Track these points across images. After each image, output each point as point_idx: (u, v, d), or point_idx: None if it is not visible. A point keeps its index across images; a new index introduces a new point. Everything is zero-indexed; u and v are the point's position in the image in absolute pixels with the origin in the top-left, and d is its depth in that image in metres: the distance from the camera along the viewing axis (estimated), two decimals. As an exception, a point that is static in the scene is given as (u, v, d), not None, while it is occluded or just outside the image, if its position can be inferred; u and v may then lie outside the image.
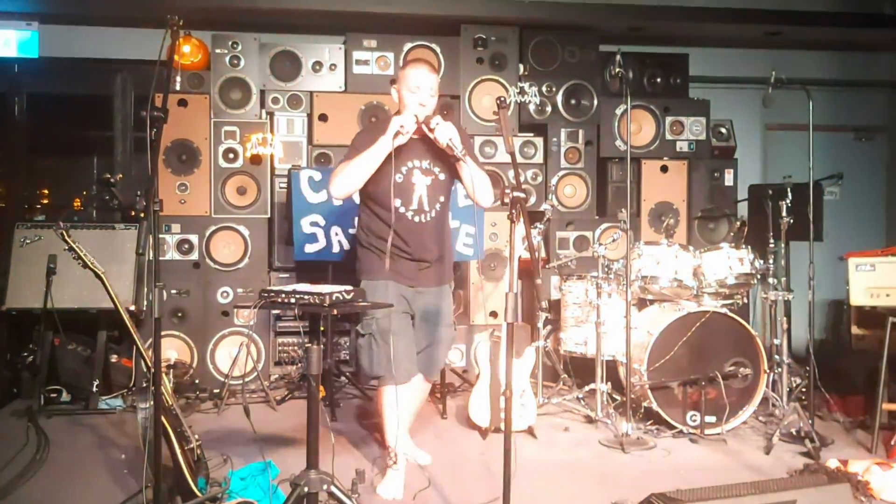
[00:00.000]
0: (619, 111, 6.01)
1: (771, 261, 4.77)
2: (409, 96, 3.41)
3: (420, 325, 3.61)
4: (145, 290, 5.10)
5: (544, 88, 5.94)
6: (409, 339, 3.52)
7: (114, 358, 5.16)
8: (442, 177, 3.53)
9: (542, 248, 5.66)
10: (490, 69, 5.90)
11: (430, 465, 3.85)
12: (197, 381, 5.25)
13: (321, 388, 3.81)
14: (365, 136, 3.47)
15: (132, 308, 4.97)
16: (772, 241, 4.79)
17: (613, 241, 5.07)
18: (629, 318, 4.41)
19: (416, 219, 3.49)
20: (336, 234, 5.11)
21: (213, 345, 5.44)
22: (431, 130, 3.31)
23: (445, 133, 3.28)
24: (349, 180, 3.37)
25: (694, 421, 4.41)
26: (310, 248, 5.10)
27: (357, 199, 3.71)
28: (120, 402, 4.92)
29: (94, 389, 4.87)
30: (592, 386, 4.80)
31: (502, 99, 3.01)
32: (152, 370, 2.89)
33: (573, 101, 6.00)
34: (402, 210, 3.45)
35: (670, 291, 4.72)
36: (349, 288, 2.93)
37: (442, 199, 3.56)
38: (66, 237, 3.40)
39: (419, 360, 3.60)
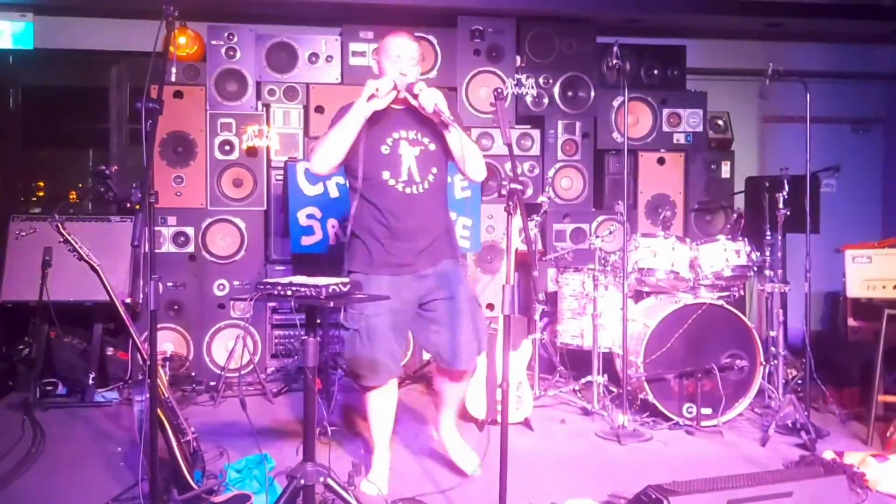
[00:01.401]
0: (616, 103, 6.00)
1: (767, 253, 4.77)
2: (390, 66, 3.29)
3: (433, 308, 3.42)
4: (141, 282, 5.09)
5: (541, 80, 5.93)
6: (391, 342, 3.35)
7: (110, 350, 5.16)
8: (432, 147, 3.37)
9: (539, 240, 5.66)
10: (487, 61, 5.88)
11: (474, 474, 3.61)
12: (193, 374, 5.25)
13: (318, 380, 3.80)
14: (343, 111, 3.33)
15: (128, 300, 4.97)
16: (768, 233, 4.79)
17: (610, 233, 5.07)
18: (626, 310, 4.41)
19: (408, 190, 3.33)
20: (333, 227, 5.11)
21: (209, 337, 5.43)
22: (416, 97, 3.19)
23: (431, 98, 3.16)
24: (327, 151, 3.24)
25: (690, 413, 4.42)
26: (306, 241, 5.09)
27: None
28: (116, 395, 4.92)
29: (90, 382, 4.87)
30: (589, 378, 4.80)
31: (499, 91, 2.98)
32: (148, 363, 2.88)
33: (570, 93, 5.99)
34: (391, 182, 3.31)
35: (667, 283, 4.72)
36: (346, 280, 2.92)
37: (434, 170, 3.38)
38: (62, 229, 3.40)
39: (445, 349, 3.43)
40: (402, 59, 3.29)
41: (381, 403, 3.48)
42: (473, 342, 3.46)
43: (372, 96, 3.18)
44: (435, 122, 3.26)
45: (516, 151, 5.83)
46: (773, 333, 4.77)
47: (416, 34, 5.70)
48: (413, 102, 3.25)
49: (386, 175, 3.31)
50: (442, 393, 3.69)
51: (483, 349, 3.56)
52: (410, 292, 3.39)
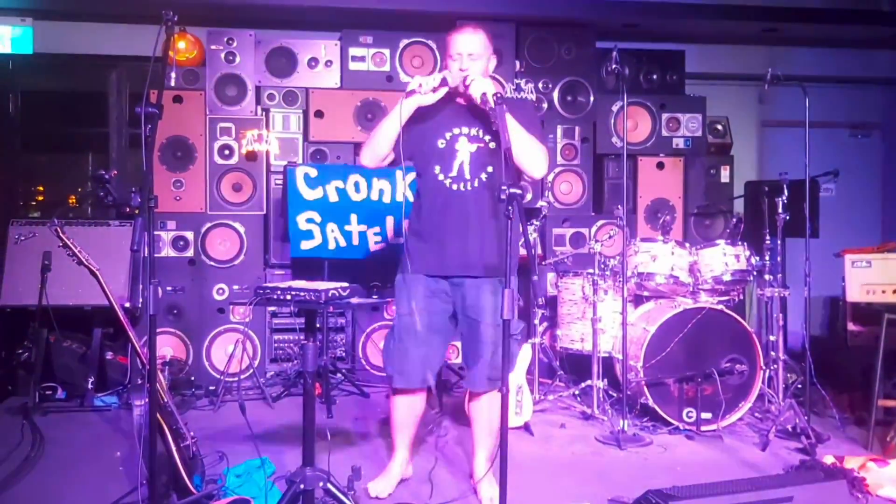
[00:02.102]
0: (615, 108, 6.00)
1: (767, 257, 4.77)
2: (452, 65, 3.21)
3: (461, 322, 3.34)
4: (140, 286, 5.09)
5: (540, 85, 5.93)
6: (424, 345, 3.28)
7: (109, 355, 5.15)
8: (493, 145, 3.22)
9: (539, 244, 5.66)
10: (486, 65, 5.88)
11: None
12: (192, 378, 5.24)
13: (317, 384, 3.80)
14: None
15: (127, 305, 4.96)
16: (768, 237, 4.79)
17: (610, 237, 5.07)
18: (625, 314, 4.41)
19: (455, 186, 3.23)
20: (332, 231, 5.11)
21: (208, 342, 5.42)
22: (467, 87, 3.09)
23: (479, 87, 3.03)
24: (372, 144, 3.23)
25: (690, 417, 4.42)
26: (306, 245, 5.10)
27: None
28: (115, 400, 4.91)
29: (90, 386, 4.86)
30: (589, 382, 4.80)
31: (498, 95, 2.99)
32: (148, 367, 2.87)
33: (569, 98, 5.99)
34: (440, 178, 3.24)
35: (666, 288, 4.72)
36: (345, 285, 2.92)
37: (490, 169, 3.22)
38: (61, 234, 3.40)
39: (467, 368, 3.38)
40: (462, 56, 3.20)
41: (403, 409, 3.44)
42: (487, 370, 3.27)
43: (412, 92, 3.12)
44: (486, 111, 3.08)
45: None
46: (772, 338, 4.77)
47: (416, 39, 5.80)
48: (471, 96, 3.12)
49: (437, 169, 3.26)
50: (469, 414, 3.61)
51: (498, 378, 3.08)
52: (445, 296, 3.32)
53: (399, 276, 3.33)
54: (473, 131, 3.27)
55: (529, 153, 3.15)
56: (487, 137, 3.25)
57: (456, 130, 3.27)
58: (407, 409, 3.46)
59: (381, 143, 3.22)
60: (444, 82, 3.14)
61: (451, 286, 3.31)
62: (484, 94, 2.99)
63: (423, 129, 3.25)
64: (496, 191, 2.77)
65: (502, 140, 2.73)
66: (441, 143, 3.26)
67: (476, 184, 3.24)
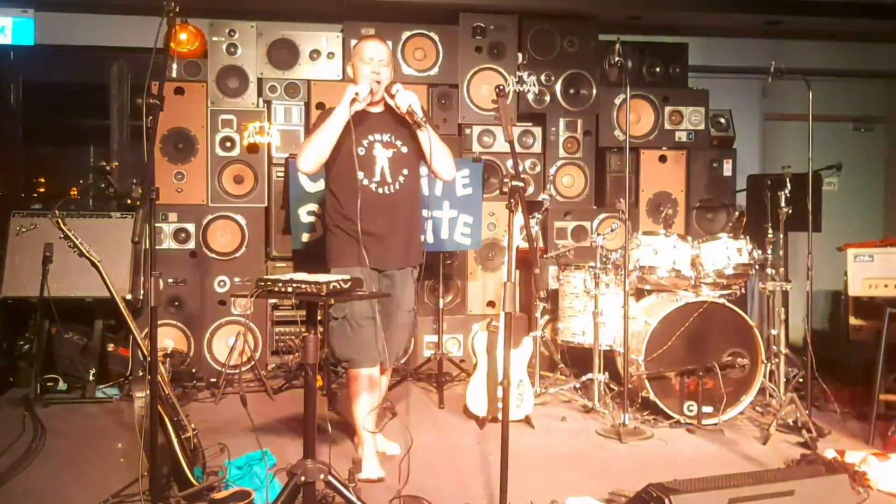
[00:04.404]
0: (617, 101, 5.99)
1: (769, 251, 4.76)
2: (363, 67, 3.53)
3: (382, 309, 3.60)
4: (142, 278, 5.09)
5: (543, 78, 5.92)
6: (378, 325, 3.54)
7: (110, 347, 5.16)
8: (405, 150, 3.60)
9: (541, 237, 5.66)
10: (489, 58, 5.87)
11: (398, 454, 3.79)
12: (194, 371, 5.25)
13: (318, 377, 3.80)
14: (325, 114, 3.57)
15: (128, 297, 4.96)
16: (770, 231, 4.78)
17: (612, 231, 5.06)
18: (627, 308, 4.40)
19: (380, 190, 3.55)
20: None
21: (210, 334, 5.43)
22: (392, 97, 3.46)
23: (406, 99, 3.43)
24: (312, 152, 3.45)
25: (691, 411, 4.42)
26: (307, 238, 5.09)
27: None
28: (116, 391, 4.93)
29: (91, 378, 4.87)
30: (590, 376, 4.80)
31: (501, 88, 2.99)
32: (149, 359, 2.88)
33: (572, 91, 5.98)
34: (365, 182, 3.50)
35: (668, 281, 4.71)
36: (346, 277, 2.92)
37: (406, 171, 3.60)
38: (62, 225, 3.40)
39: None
40: (374, 62, 3.52)
41: (372, 388, 3.59)
42: (397, 350, 3.76)
43: (353, 100, 3.42)
44: (409, 122, 3.46)
45: (518, 149, 5.82)
46: (774, 332, 4.77)
47: (418, 31, 5.78)
48: (390, 103, 3.50)
49: (361, 175, 3.49)
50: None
51: (402, 358, 3.89)
52: (375, 286, 3.57)
53: (339, 269, 3.51)
54: (386, 137, 3.60)
55: (445, 161, 3.56)
56: (399, 142, 3.60)
57: (371, 137, 3.58)
58: (375, 388, 3.63)
59: (323, 150, 3.46)
60: (371, 91, 3.48)
61: (379, 277, 3.61)
62: (410, 107, 3.39)
63: (340, 139, 3.47)
64: (411, 190, 3.56)
65: (505, 133, 2.81)
66: (361, 151, 3.53)
67: (397, 186, 3.58)
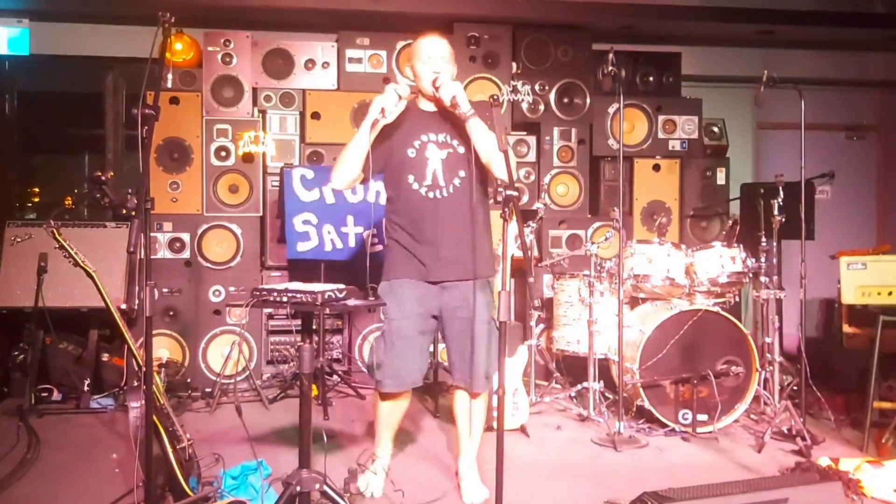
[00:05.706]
0: (611, 110, 6.01)
1: (763, 259, 4.78)
2: (422, 67, 3.27)
3: (449, 325, 3.36)
4: (137, 288, 5.08)
5: (537, 87, 5.94)
6: (416, 349, 3.33)
7: (105, 357, 5.15)
8: (461, 150, 3.28)
9: (535, 246, 5.66)
10: (483, 67, 5.89)
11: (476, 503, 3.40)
12: (189, 380, 5.23)
13: (313, 386, 3.80)
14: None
15: (123, 307, 4.95)
16: (764, 239, 4.80)
17: (606, 239, 5.07)
18: (621, 316, 4.41)
19: (431, 195, 3.27)
20: (329, 233, 5.11)
21: (205, 343, 5.42)
22: (437, 90, 3.18)
23: (449, 90, 3.14)
24: (341, 166, 3.24)
25: (686, 419, 4.43)
26: (302, 247, 5.09)
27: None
28: (111, 402, 4.91)
29: (86, 388, 4.86)
30: (585, 384, 4.80)
31: (495, 97, 2.98)
32: (144, 369, 2.87)
33: (566, 100, 6.00)
34: (415, 186, 3.27)
35: (662, 290, 4.72)
36: (342, 286, 2.92)
37: (462, 173, 3.27)
38: (57, 235, 3.39)
39: (459, 369, 3.38)
40: (432, 60, 3.27)
41: (393, 410, 3.46)
42: (483, 367, 3.34)
43: (375, 122, 3.15)
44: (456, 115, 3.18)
45: (513, 159, 5.82)
46: (768, 340, 4.78)
47: (412, 41, 5.75)
48: (435, 95, 3.22)
49: (410, 179, 3.28)
50: (454, 410, 3.58)
51: (493, 373, 3.37)
52: (433, 301, 3.34)
53: (385, 282, 3.35)
54: (441, 137, 3.31)
55: (495, 158, 3.13)
56: (455, 142, 3.31)
57: (424, 138, 3.31)
58: (397, 410, 3.49)
59: (352, 167, 3.22)
60: (399, 97, 3.17)
61: (436, 290, 3.33)
62: (454, 99, 3.09)
63: (390, 142, 3.29)
64: (469, 194, 3.01)
65: (499, 142, 2.80)
66: (411, 153, 3.29)
67: (451, 189, 3.29)
